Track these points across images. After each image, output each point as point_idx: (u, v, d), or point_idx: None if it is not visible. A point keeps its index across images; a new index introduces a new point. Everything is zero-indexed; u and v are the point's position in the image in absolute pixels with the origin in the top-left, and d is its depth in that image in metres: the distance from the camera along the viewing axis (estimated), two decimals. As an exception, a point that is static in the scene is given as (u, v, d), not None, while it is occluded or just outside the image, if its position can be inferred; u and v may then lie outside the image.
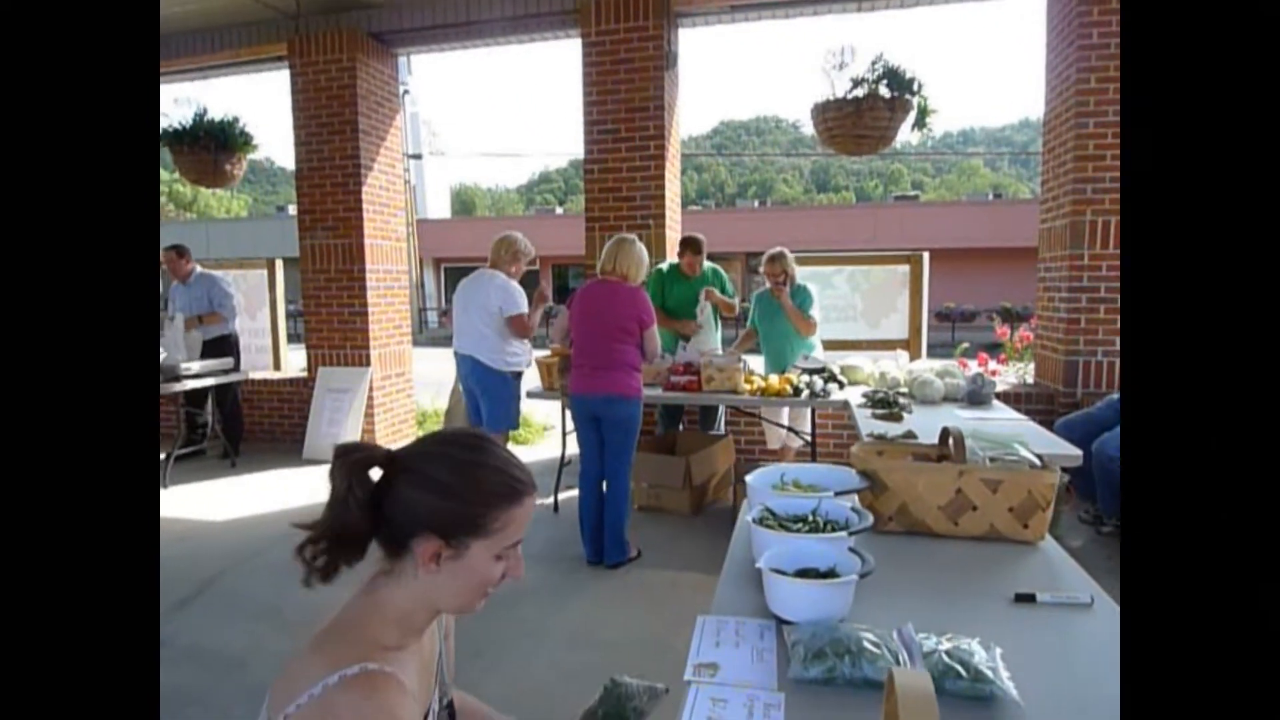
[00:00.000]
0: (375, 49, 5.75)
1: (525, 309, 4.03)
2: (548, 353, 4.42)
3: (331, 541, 0.95)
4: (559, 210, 38.11)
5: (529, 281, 4.09)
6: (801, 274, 5.30)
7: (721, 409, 4.83)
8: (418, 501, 0.95)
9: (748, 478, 1.70)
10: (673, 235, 5.14)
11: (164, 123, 5.67)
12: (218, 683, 2.59)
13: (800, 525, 1.43)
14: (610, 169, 5.05)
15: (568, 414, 4.66)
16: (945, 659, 1.05)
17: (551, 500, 4.55)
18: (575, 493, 4.77)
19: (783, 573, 1.25)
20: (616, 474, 3.53)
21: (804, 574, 1.27)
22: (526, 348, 4.20)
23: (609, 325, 3.44)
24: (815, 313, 4.37)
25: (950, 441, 1.77)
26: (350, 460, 0.95)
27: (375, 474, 0.97)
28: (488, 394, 4.07)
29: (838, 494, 1.58)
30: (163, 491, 5.03)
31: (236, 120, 5.71)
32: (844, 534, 1.36)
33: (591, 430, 3.55)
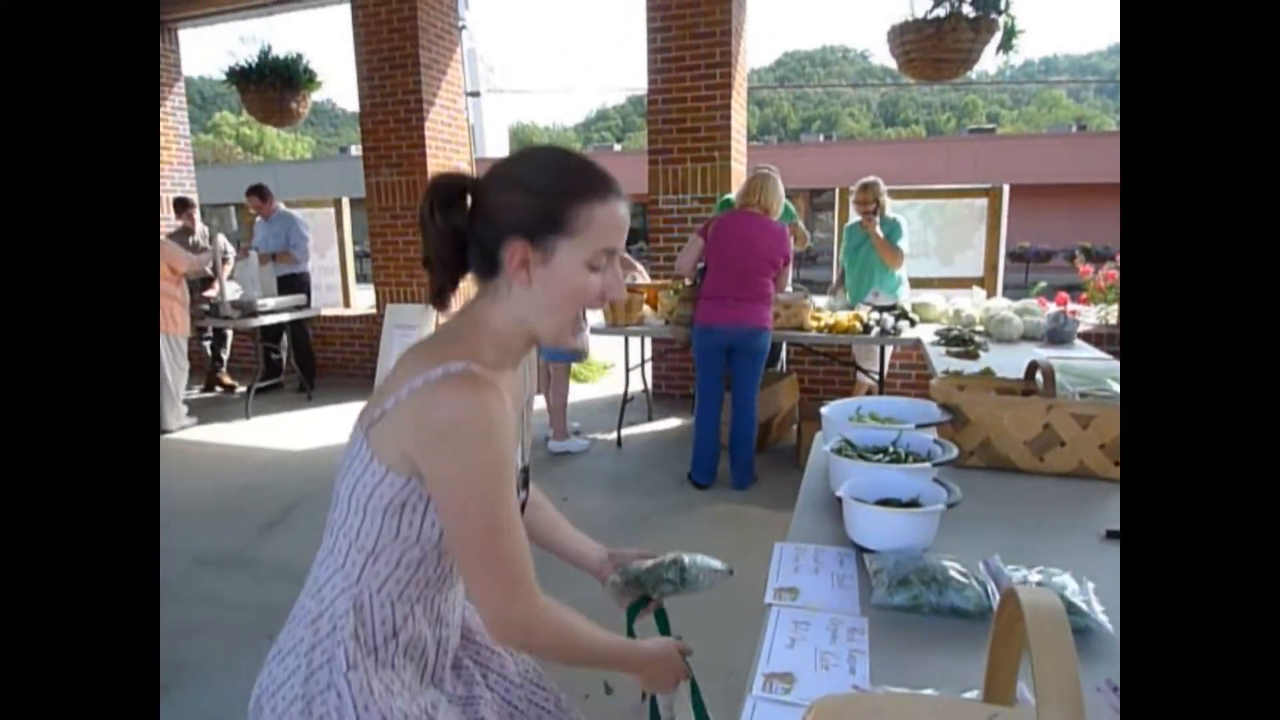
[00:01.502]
0: (436, -19, 5.66)
1: None
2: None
3: (432, 265, 0.97)
4: (616, 147, 37.58)
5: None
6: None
7: (785, 346, 4.76)
8: (501, 205, 0.93)
9: (823, 409, 1.67)
10: (738, 168, 5.00)
11: (230, 61, 5.74)
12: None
13: (880, 456, 1.40)
14: (674, 99, 4.90)
15: (631, 350, 4.68)
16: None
17: (615, 436, 4.60)
18: (639, 429, 4.81)
19: (864, 502, 1.23)
20: (750, 402, 3.61)
21: (885, 503, 1.24)
22: None
23: (757, 258, 3.46)
24: (904, 245, 4.26)
25: (1039, 375, 1.69)
26: (435, 188, 0.95)
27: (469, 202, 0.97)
28: None
29: (918, 426, 1.53)
30: (245, 423, 5.28)
31: (301, 57, 5.73)
32: (927, 464, 1.32)
33: (719, 361, 3.59)
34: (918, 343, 3.56)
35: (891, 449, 1.42)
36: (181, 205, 6.09)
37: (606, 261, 0.94)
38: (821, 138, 39.70)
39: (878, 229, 4.20)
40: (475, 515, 0.90)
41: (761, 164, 4.60)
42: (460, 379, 0.89)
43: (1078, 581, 1.05)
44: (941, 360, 2.93)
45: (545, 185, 0.92)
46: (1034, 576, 1.07)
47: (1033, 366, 1.77)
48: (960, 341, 3.21)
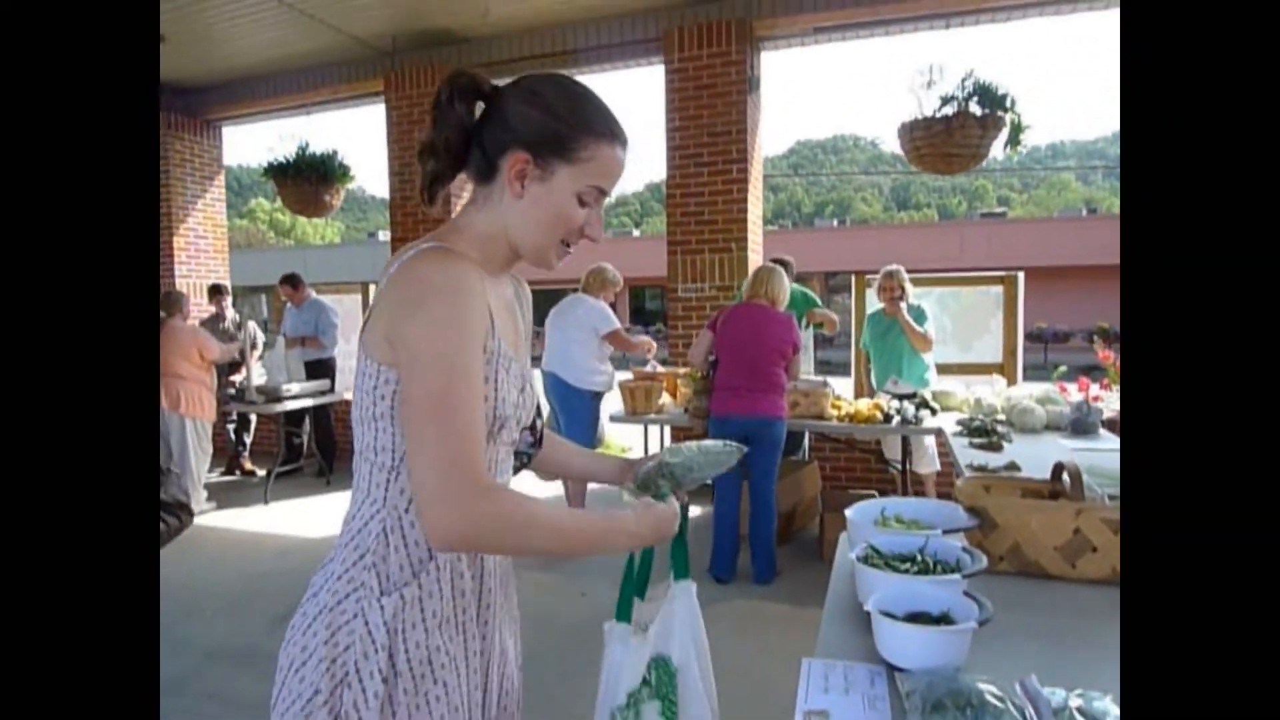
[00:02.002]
0: (465, 82, 5.97)
1: (618, 326, 4.20)
2: (630, 376, 4.44)
3: (433, 155, 0.98)
4: (635, 233, 38.49)
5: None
6: (887, 296, 5.17)
7: (807, 434, 4.74)
8: (517, 115, 0.95)
9: (848, 512, 1.65)
10: (754, 257, 5.11)
11: (269, 157, 6.04)
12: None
13: (908, 565, 1.37)
14: (692, 193, 5.07)
15: (652, 438, 4.67)
16: (1077, 718, 0.98)
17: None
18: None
19: (893, 616, 1.20)
20: (769, 493, 3.60)
21: (915, 618, 1.21)
22: (609, 369, 4.28)
23: (766, 348, 3.53)
24: (930, 328, 4.27)
25: (1065, 476, 1.67)
26: (457, 81, 0.97)
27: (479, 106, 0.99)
28: (566, 410, 4.21)
29: (946, 532, 1.51)
30: (263, 508, 5.29)
31: (335, 153, 6.03)
32: (957, 576, 1.29)
33: None
34: (939, 432, 3.53)
35: (919, 557, 1.40)
36: (214, 291, 6.29)
37: (595, 200, 0.99)
38: (835, 222, 40.52)
39: (905, 314, 4.22)
40: (430, 373, 0.86)
41: (777, 253, 4.72)
42: (430, 251, 0.93)
43: (1119, 705, 1.01)
44: (965, 452, 2.90)
45: (564, 110, 0.95)
46: (1074, 701, 1.03)
47: (1059, 468, 1.75)
48: (983, 432, 3.18)
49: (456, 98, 0.97)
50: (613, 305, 4.66)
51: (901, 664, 1.17)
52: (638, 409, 4.22)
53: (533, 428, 1.10)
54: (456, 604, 0.98)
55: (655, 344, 4.70)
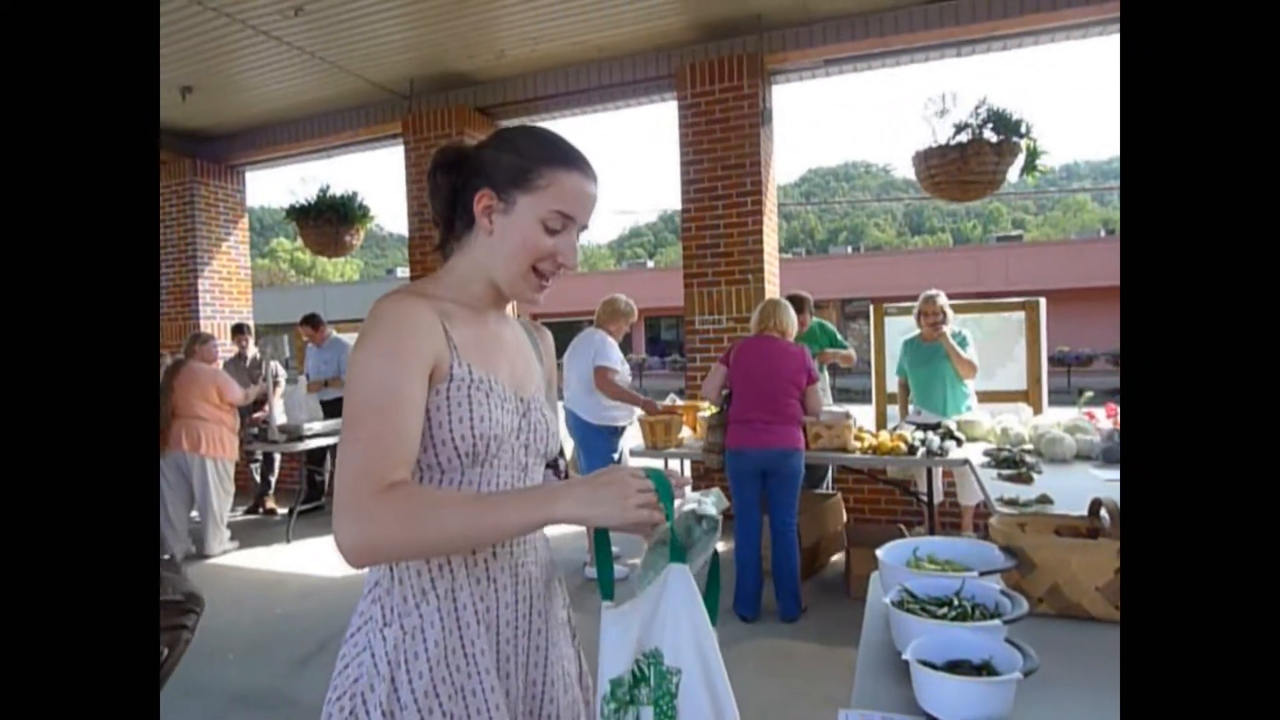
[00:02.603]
0: (481, 122, 6.07)
1: (613, 362, 4.12)
2: (641, 412, 4.42)
3: (435, 224, 1.09)
4: (650, 264, 38.71)
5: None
6: (908, 323, 5.13)
7: (830, 466, 4.68)
8: (487, 161, 1.02)
9: (879, 553, 1.61)
10: (771, 288, 5.10)
11: (291, 200, 6.16)
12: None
13: (945, 610, 1.33)
14: (707, 226, 5.09)
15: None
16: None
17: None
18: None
19: (933, 665, 1.16)
20: (789, 526, 3.54)
21: (955, 667, 1.17)
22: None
23: (780, 380, 3.49)
24: (974, 354, 4.21)
25: (1104, 513, 1.63)
26: (440, 156, 1.06)
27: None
28: (585, 447, 4.19)
29: (982, 573, 1.47)
30: (285, 546, 5.28)
31: (355, 195, 6.13)
32: (998, 622, 1.25)
33: (754, 486, 3.54)
34: (966, 464, 3.47)
35: (956, 600, 1.36)
36: (236, 331, 6.37)
37: (564, 227, 1.02)
38: (850, 249, 40.53)
39: (949, 339, 4.15)
40: (353, 395, 0.91)
41: (794, 287, 4.72)
42: (392, 293, 0.98)
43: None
44: (995, 485, 2.84)
45: (524, 147, 1.02)
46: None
47: (1096, 504, 1.70)
48: (1012, 463, 3.12)
49: (439, 172, 1.06)
50: (627, 336, 4.66)
51: (943, 716, 1.12)
52: (657, 443, 4.19)
53: (555, 465, 1.15)
54: (464, 635, 0.98)
55: (657, 404, 4.47)
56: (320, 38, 4.97)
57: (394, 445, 0.89)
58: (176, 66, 5.34)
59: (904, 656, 1.19)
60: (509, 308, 1.16)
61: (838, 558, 4.36)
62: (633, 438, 4.41)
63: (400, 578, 0.98)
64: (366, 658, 0.96)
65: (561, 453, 1.16)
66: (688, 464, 4.88)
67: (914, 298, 4.51)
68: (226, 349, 6.58)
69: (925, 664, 1.16)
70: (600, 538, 1.06)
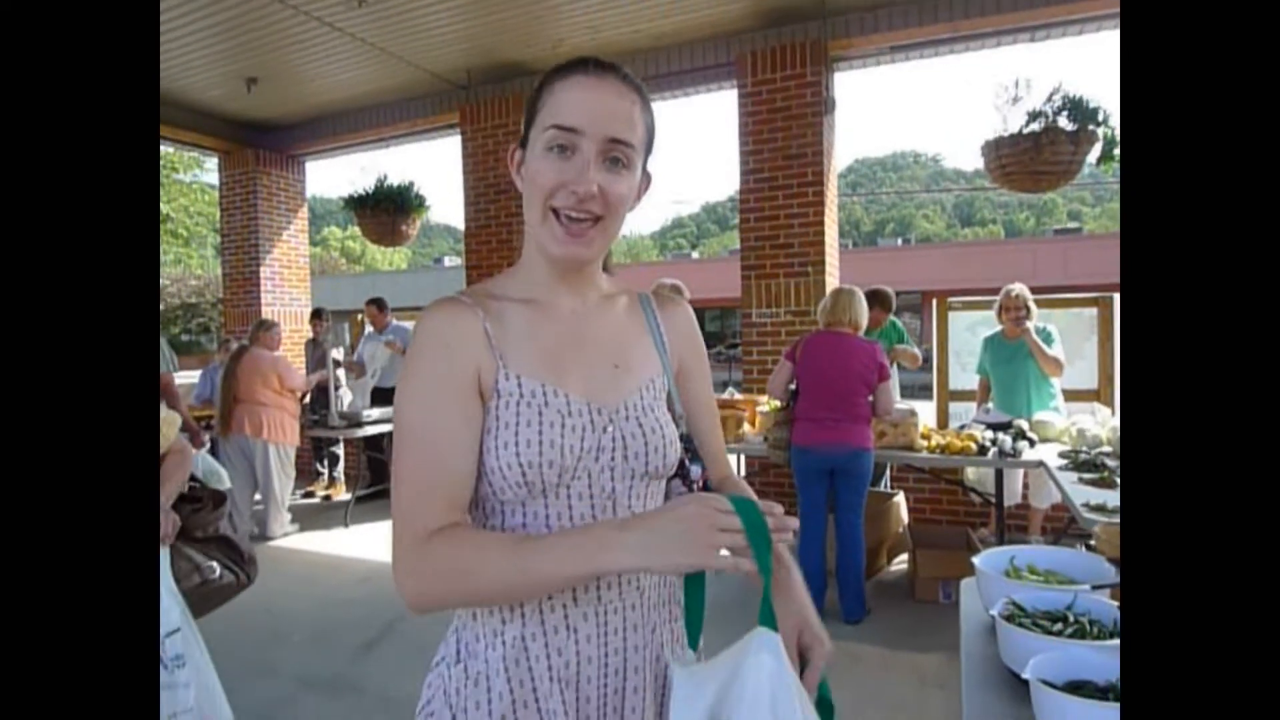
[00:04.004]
0: (537, 112, 6.06)
1: None
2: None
3: None
4: (694, 255, 38.52)
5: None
6: (971, 319, 4.98)
7: (889, 465, 4.57)
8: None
9: (976, 561, 1.54)
10: (832, 280, 4.99)
11: (349, 189, 6.25)
12: (405, 730, 2.66)
13: (1059, 626, 1.26)
14: (766, 216, 4.99)
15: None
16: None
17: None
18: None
19: (1052, 685, 1.10)
20: (856, 527, 3.45)
21: (1077, 688, 1.11)
22: None
23: (850, 376, 3.39)
24: (1060, 351, 4.04)
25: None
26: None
27: None
28: None
29: (1094, 587, 1.39)
30: (344, 530, 5.39)
31: (412, 185, 6.19)
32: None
33: (820, 484, 3.46)
34: (1040, 465, 3.35)
35: (1070, 617, 1.29)
36: (315, 315, 6.52)
37: (570, 145, 0.81)
38: (899, 241, 39.74)
39: (1034, 336, 3.98)
40: (396, 432, 0.84)
41: (874, 283, 4.61)
42: (430, 305, 0.87)
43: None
44: (1076, 490, 2.72)
45: (541, 81, 0.87)
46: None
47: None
48: (1092, 466, 2.99)
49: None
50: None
51: (1073, 743, 1.06)
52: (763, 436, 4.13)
53: (685, 476, 0.95)
54: (536, 690, 0.84)
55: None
56: (381, 29, 5.00)
57: (435, 484, 0.79)
58: (243, 58, 5.44)
59: (1024, 675, 1.13)
60: (602, 282, 0.97)
61: (899, 559, 4.26)
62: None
63: (475, 612, 0.87)
64: (440, 696, 0.87)
65: (691, 457, 0.96)
66: (743, 458, 4.82)
67: (969, 291, 4.37)
68: (296, 337, 6.73)
69: (1046, 684, 1.10)
70: (691, 592, 0.87)
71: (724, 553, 0.72)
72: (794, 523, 0.79)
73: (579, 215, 0.83)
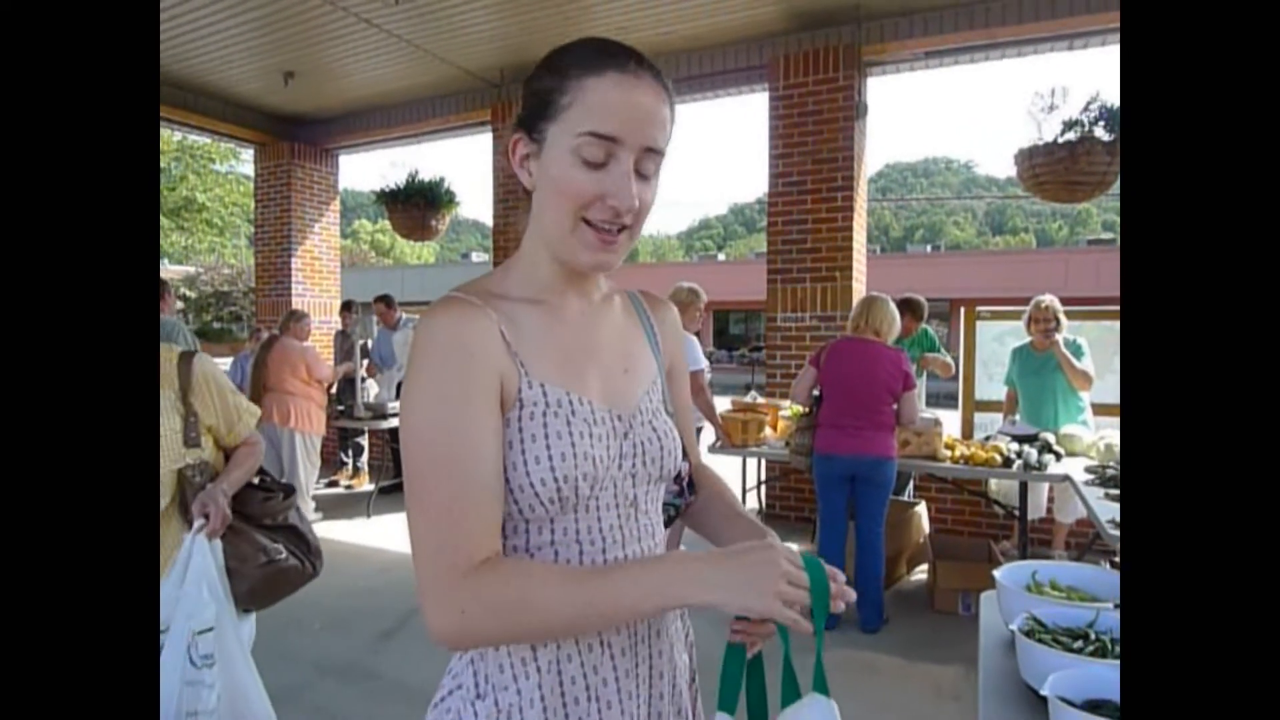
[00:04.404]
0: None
1: (704, 366, 4.05)
2: (729, 406, 4.36)
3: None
4: (721, 256, 38.42)
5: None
6: (999, 328, 4.91)
7: (913, 474, 4.53)
8: (521, 103, 0.82)
9: (997, 574, 1.53)
10: (859, 287, 4.96)
11: (380, 183, 6.33)
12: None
13: (1080, 643, 1.25)
14: (794, 220, 4.98)
15: (748, 471, 4.59)
16: None
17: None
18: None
19: (1070, 703, 1.08)
20: (877, 536, 3.43)
21: (1096, 707, 1.09)
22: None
23: (875, 384, 3.37)
24: (1089, 364, 3.99)
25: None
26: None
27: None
28: None
29: (1117, 605, 1.37)
30: (365, 521, 5.46)
31: (443, 180, 6.25)
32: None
33: (841, 491, 3.45)
34: (1066, 479, 3.30)
35: (1092, 634, 1.27)
36: (345, 308, 6.60)
37: (608, 155, 0.76)
38: (929, 248, 39.30)
39: (1063, 348, 3.92)
40: (410, 452, 0.75)
41: (908, 291, 4.58)
42: (436, 304, 0.79)
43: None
44: (1102, 505, 2.68)
45: (553, 64, 0.79)
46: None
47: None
48: (1118, 482, 2.94)
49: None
50: (697, 332, 4.58)
51: (1090, 762, 1.05)
52: (735, 441, 4.13)
53: (680, 484, 0.97)
54: (572, 713, 0.81)
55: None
56: (417, 25, 5.06)
57: (471, 510, 0.73)
58: (281, 52, 5.53)
59: (1042, 692, 1.12)
60: (601, 283, 0.92)
61: (920, 569, 4.22)
62: (710, 433, 4.36)
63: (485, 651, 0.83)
64: None
65: (680, 477, 0.97)
66: (763, 462, 4.81)
67: (998, 301, 4.31)
68: (325, 328, 6.84)
69: (1064, 701, 1.09)
70: (730, 662, 0.86)
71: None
72: (852, 594, 0.78)
73: (611, 224, 0.79)
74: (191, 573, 1.58)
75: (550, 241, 0.82)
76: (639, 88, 0.76)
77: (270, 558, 1.78)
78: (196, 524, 1.63)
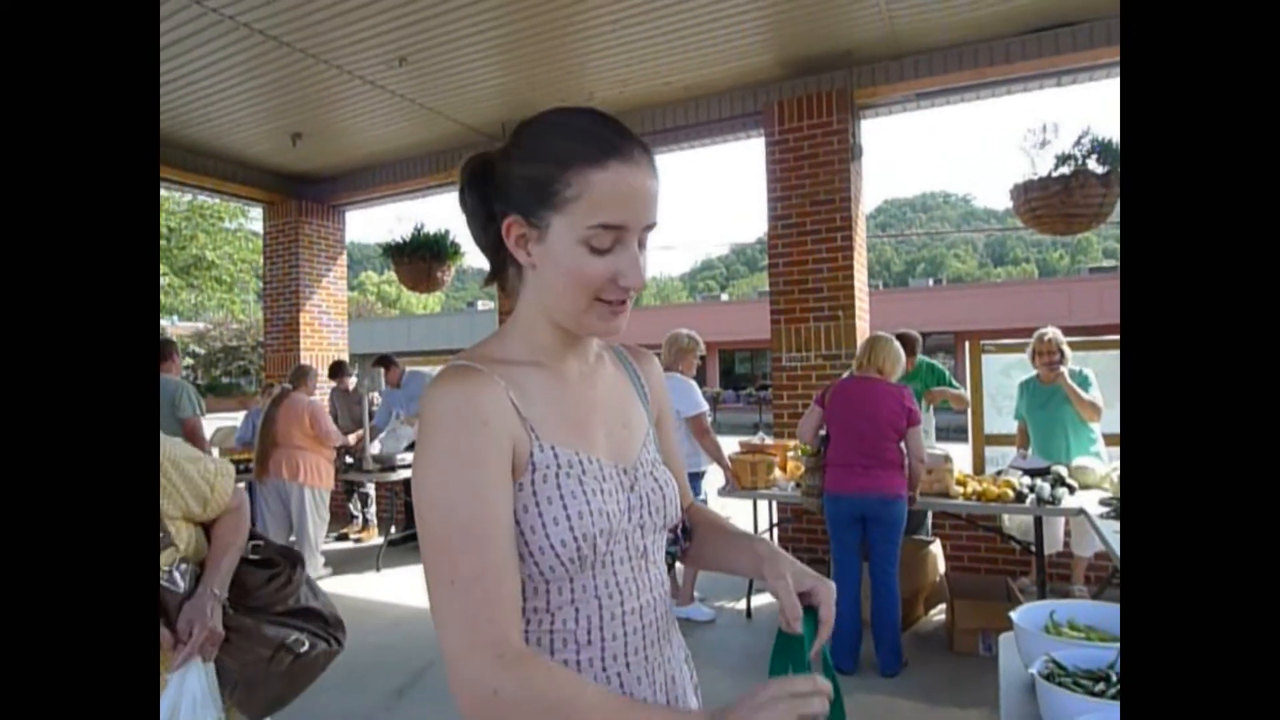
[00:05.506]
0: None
1: (705, 409, 4.06)
2: (737, 449, 4.35)
3: (480, 248, 0.90)
4: (724, 296, 38.63)
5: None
6: (1005, 361, 4.91)
7: (929, 512, 4.49)
8: (503, 177, 0.82)
9: (1014, 616, 1.51)
10: (861, 325, 4.98)
11: (387, 238, 6.43)
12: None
13: (1101, 685, 1.23)
14: (795, 262, 5.03)
15: (759, 513, 4.54)
16: None
17: (744, 605, 4.38)
18: (770, 599, 4.61)
19: (1095, 749, 1.07)
20: (891, 576, 3.38)
21: (1120, 751, 1.08)
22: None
23: (879, 422, 3.37)
24: (1097, 394, 3.97)
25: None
26: (464, 166, 0.87)
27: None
28: None
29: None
30: (375, 575, 5.41)
31: (448, 233, 6.35)
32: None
33: (853, 531, 3.42)
34: (1081, 513, 3.26)
35: (1112, 676, 1.26)
36: (337, 370, 6.64)
37: (615, 241, 0.79)
38: (931, 281, 39.46)
39: (1070, 381, 3.93)
40: (429, 523, 0.76)
41: (901, 328, 4.60)
42: (443, 374, 0.81)
43: None
44: (1118, 539, 2.65)
45: (544, 150, 0.80)
46: None
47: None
48: (1135, 516, 2.91)
49: (468, 189, 0.87)
50: (700, 370, 4.60)
51: (1115, 809, 1.03)
52: (745, 484, 4.12)
53: (674, 533, 0.99)
54: None
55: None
56: (420, 85, 5.21)
57: (499, 584, 0.74)
58: (289, 114, 5.69)
59: (1063, 737, 1.11)
60: (594, 342, 0.96)
61: (937, 609, 4.15)
62: (718, 476, 4.35)
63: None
64: None
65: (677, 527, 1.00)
66: (775, 504, 4.78)
67: (1003, 333, 4.32)
68: (325, 384, 6.89)
69: (1088, 748, 1.07)
70: None
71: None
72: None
73: (623, 299, 0.83)
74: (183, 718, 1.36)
75: (559, 317, 0.85)
76: (638, 173, 0.80)
77: (294, 653, 1.54)
78: (178, 658, 1.38)
